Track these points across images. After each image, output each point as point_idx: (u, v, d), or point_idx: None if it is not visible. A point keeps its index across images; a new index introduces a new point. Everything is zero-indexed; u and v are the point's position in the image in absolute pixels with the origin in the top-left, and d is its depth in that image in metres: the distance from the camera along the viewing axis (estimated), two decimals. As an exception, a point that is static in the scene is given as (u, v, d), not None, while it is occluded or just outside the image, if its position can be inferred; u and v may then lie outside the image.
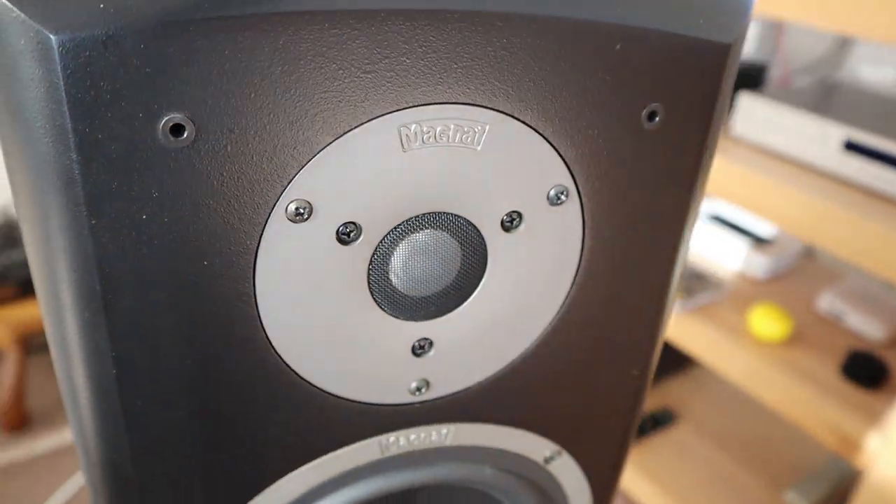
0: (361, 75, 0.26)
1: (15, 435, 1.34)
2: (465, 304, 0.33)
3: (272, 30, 0.24)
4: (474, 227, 0.31)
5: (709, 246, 1.27)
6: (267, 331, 0.30)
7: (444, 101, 0.28)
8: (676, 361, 1.40)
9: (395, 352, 0.33)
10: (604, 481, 0.43)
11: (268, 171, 0.27)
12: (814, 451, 1.26)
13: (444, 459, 0.37)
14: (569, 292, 0.34)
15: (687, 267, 1.20)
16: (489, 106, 0.28)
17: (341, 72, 0.26)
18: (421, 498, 0.41)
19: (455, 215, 0.30)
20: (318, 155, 0.27)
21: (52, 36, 0.22)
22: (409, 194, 0.29)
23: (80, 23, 0.23)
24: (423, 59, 0.27)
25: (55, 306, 0.28)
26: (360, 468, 0.35)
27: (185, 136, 0.25)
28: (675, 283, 0.38)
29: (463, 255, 0.32)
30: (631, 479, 1.24)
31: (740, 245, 1.22)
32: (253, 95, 0.25)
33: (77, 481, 1.24)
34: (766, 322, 1.07)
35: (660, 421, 1.31)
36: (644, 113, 0.31)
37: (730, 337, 1.08)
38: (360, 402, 0.33)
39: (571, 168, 0.31)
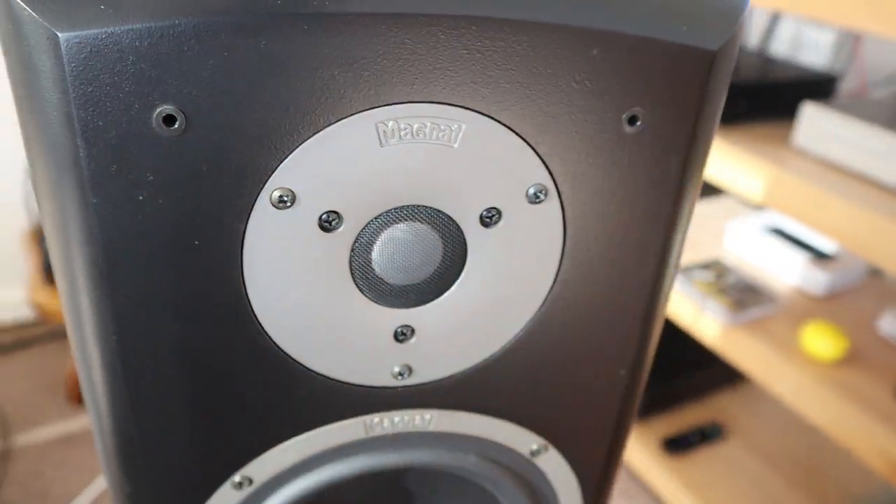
0: (339, 75, 0.28)
1: (79, 407, 1.42)
2: (446, 294, 0.34)
3: (255, 33, 0.27)
4: (454, 221, 0.33)
5: (765, 259, 1.24)
6: (255, 309, 0.32)
7: (420, 100, 0.29)
8: (727, 375, 1.36)
9: (378, 336, 0.34)
10: (594, 480, 0.43)
11: (252, 161, 0.29)
12: (866, 475, 1.21)
13: (428, 444, 0.38)
14: (550, 289, 0.35)
15: (740, 279, 1.17)
16: (465, 105, 0.30)
17: (319, 71, 0.28)
18: (411, 485, 0.43)
19: (434, 209, 0.32)
20: (299, 147, 0.29)
21: (59, 34, 0.25)
22: (388, 187, 0.31)
23: (83, 23, 0.26)
24: (399, 60, 0.28)
25: (67, 278, 0.31)
26: (347, 446, 0.37)
27: (176, 125, 0.27)
28: (666, 286, 0.38)
29: (443, 247, 0.33)
30: (674, 491, 1.22)
31: (799, 259, 1.18)
32: (237, 91, 0.27)
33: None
34: (819, 340, 1.04)
35: (708, 435, 1.28)
36: (625, 117, 0.32)
37: (780, 353, 1.05)
38: (344, 383, 0.35)
39: (550, 168, 0.32)
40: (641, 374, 0.41)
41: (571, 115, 0.31)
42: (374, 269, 0.33)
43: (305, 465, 0.37)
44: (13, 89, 0.28)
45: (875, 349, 1.06)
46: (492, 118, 0.30)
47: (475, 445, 0.39)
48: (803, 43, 1.40)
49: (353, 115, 0.29)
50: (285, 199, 0.30)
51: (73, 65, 0.26)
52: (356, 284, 0.33)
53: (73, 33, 0.25)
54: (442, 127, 0.30)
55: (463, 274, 0.34)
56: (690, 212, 0.37)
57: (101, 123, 0.27)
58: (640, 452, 1.27)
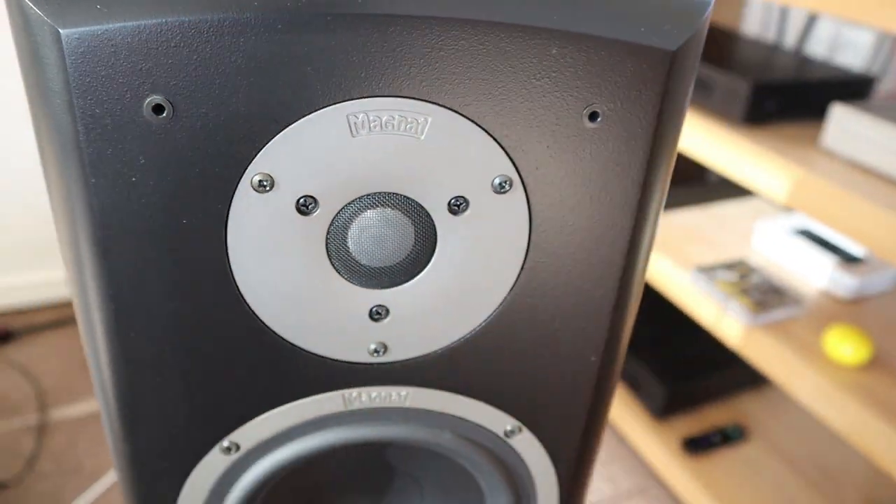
0: (311, 70, 0.31)
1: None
2: (419, 277, 0.37)
3: (236, 32, 0.29)
4: (423, 208, 0.35)
5: (793, 261, 1.23)
6: (239, 286, 0.35)
7: (388, 94, 0.32)
8: (751, 377, 1.35)
9: (354, 315, 0.37)
10: (570, 464, 0.45)
11: (234, 147, 0.32)
12: (888, 482, 1.19)
13: (404, 420, 0.41)
14: (518, 275, 0.37)
15: (765, 280, 1.17)
16: (430, 100, 0.32)
17: (293, 67, 0.30)
18: (395, 462, 0.45)
19: (404, 196, 0.34)
20: (277, 136, 0.32)
21: (60, 30, 0.29)
22: (360, 175, 0.33)
23: (81, 21, 0.29)
24: (366, 58, 0.31)
25: (72, 251, 0.34)
26: (328, 417, 0.40)
27: (164, 114, 0.30)
28: (637, 276, 0.40)
29: (415, 233, 0.36)
30: (693, 492, 1.22)
31: (827, 262, 1.17)
32: (220, 84, 0.30)
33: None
34: (843, 344, 1.03)
35: (729, 436, 1.27)
36: (585, 113, 0.33)
37: (802, 355, 1.05)
38: (324, 357, 0.38)
39: (514, 160, 0.34)
40: (614, 361, 0.42)
41: (533, 110, 0.33)
42: (349, 251, 0.35)
43: (289, 434, 0.40)
44: (24, 80, 0.31)
45: (900, 355, 1.05)
46: (457, 112, 0.32)
47: (450, 423, 0.42)
48: (842, 44, 1.38)
49: (325, 107, 0.31)
50: (265, 183, 0.33)
51: (72, 58, 0.29)
52: (333, 265, 0.36)
53: (73, 30, 0.29)
54: (409, 120, 0.32)
55: (434, 258, 0.36)
56: (660, 202, 0.38)
57: (97, 111, 0.30)
58: (659, 451, 1.27)
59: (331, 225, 0.35)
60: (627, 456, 1.33)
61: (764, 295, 1.13)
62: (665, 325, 1.44)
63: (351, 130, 0.32)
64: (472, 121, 0.33)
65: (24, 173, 1.46)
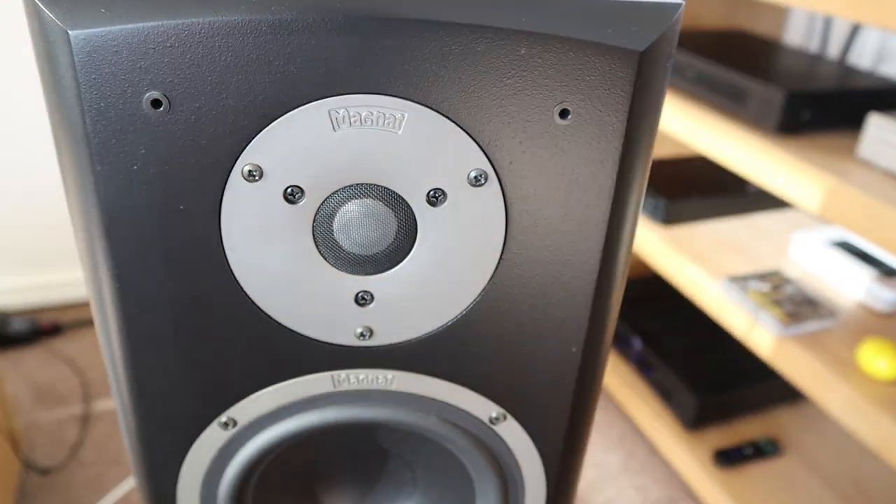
0: (294, 69, 0.33)
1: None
2: (401, 265, 0.39)
3: (225, 34, 0.32)
4: (403, 199, 0.37)
5: (830, 272, 1.20)
6: (233, 269, 0.38)
7: (367, 91, 0.34)
8: (787, 391, 1.33)
9: (340, 299, 0.39)
10: (556, 455, 0.46)
11: (225, 139, 0.34)
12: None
13: (391, 402, 0.43)
14: (497, 265, 0.39)
15: (799, 291, 1.15)
16: (406, 97, 0.34)
17: (278, 65, 0.33)
18: (387, 445, 0.47)
19: (385, 188, 0.37)
20: (264, 129, 0.34)
21: (69, 31, 0.32)
22: (342, 166, 0.36)
23: (88, 23, 0.32)
24: (346, 57, 0.33)
25: (83, 234, 0.38)
26: (318, 397, 0.42)
27: (161, 108, 0.33)
28: (614, 270, 0.41)
29: (396, 222, 0.38)
30: (721, 505, 1.20)
31: (864, 274, 1.14)
32: (212, 81, 0.33)
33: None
34: (877, 357, 1.00)
35: (762, 450, 1.25)
36: (556, 110, 0.35)
37: (834, 369, 1.03)
38: (313, 339, 0.40)
39: (489, 154, 0.36)
40: (596, 354, 0.43)
41: (506, 107, 0.35)
42: (335, 239, 0.38)
43: (282, 412, 0.43)
44: (41, 77, 0.35)
45: (936, 371, 1.02)
46: (432, 109, 0.35)
47: (435, 407, 0.43)
48: (888, 54, 1.35)
49: (308, 103, 0.34)
50: (254, 173, 0.35)
51: (80, 56, 0.32)
52: (320, 251, 0.38)
53: (80, 31, 0.32)
54: (387, 115, 0.35)
55: (415, 247, 0.38)
56: (638, 197, 0.40)
57: (102, 104, 0.33)
58: (690, 463, 1.26)
59: (317, 213, 0.37)
60: (658, 466, 1.32)
61: (797, 306, 1.12)
62: (699, 335, 1.43)
63: (333, 125, 0.35)
64: (447, 117, 0.35)
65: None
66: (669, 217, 1.32)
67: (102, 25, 0.32)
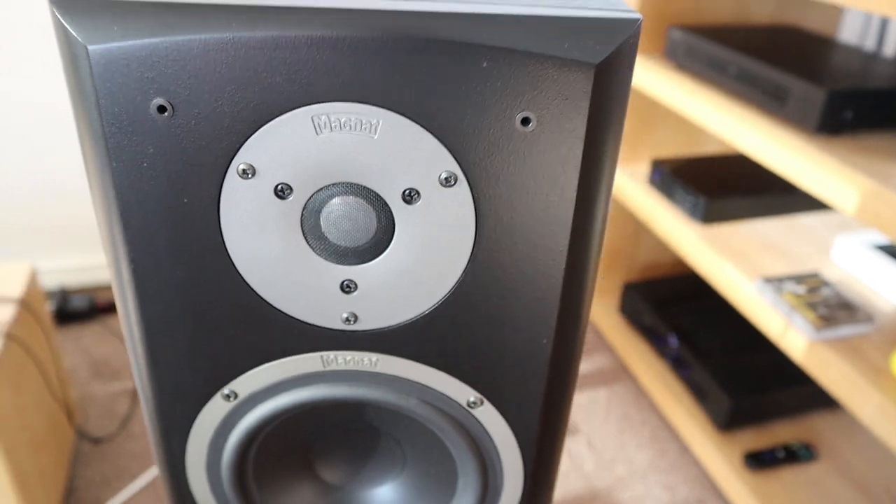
0: (281, 80, 0.37)
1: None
2: (381, 257, 0.43)
3: (219, 49, 0.36)
4: (381, 197, 0.41)
5: (871, 277, 1.18)
6: (232, 257, 0.42)
7: (345, 99, 0.38)
8: (824, 396, 1.31)
9: (327, 286, 0.43)
10: (532, 441, 0.49)
11: (222, 140, 0.39)
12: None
13: (375, 383, 0.47)
14: (469, 260, 0.42)
15: (837, 295, 1.13)
16: (380, 105, 0.38)
17: (266, 77, 0.37)
18: (379, 425, 0.51)
19: (364, 187, 0.40)
20: (256, 132, 0.39)
21: (88, 46, 0.37)
22: (326, 166, 0.40)
23: (103, 39, 0.37)
24: (326, 68, 0.37)
25: (105, 222, 0.43)
26: (310, 375, 0.47)
27: (166, 113, 0.38)
28: (583, 266, 0.44)
29: (377, 218, 0.41)
30: (750, 506, 1.20)
31: (905, 280, 1.12)
32: (210, 90, 0.37)
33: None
34: (911, 365, 0.99)
35: (796, 454, 1.24)
36: (518, 118, 0.38)
37: (867, 374, 1.02)
38: (304, 322, 0.45)
39: (458, 158, 0.39)
40: (569, 346, 0.46)
41: (471, 115, 0.38)
42: (321, 231, 0.42)
43: (278, 388, 0.47)
44: (67, 85, 0.40)
45: (973, 380, 0.99)
46: (404, 115, 0.38)
47: (416, 390, 0.47)
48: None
49: (293, 109, 0.38)
50: (248, 171, 0.40)
51: (97, 68, 0.37)
52: (308, 243, 0.42)
53: (97, 46, 0.37)
54: (364, 121, 0.38)
55: (393, 241, 0.42)
56: (604, 198, 0.42)
57: (116, 109, 0.38)
58: (720, 463, 1.26)
59: (304, 208, 0.41)
60: (689, 465, 1.32)
61: (832, 310, 1.10)
62: (737, 335, 1.42)
63: (316, 129, 0.39)
64: (418, 123, 0.38)
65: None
66: (709, 216, 1.32)
67: (116, 41, 0.37)
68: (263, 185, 0.40)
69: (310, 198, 0.41)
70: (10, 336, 1.00)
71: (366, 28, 0.36)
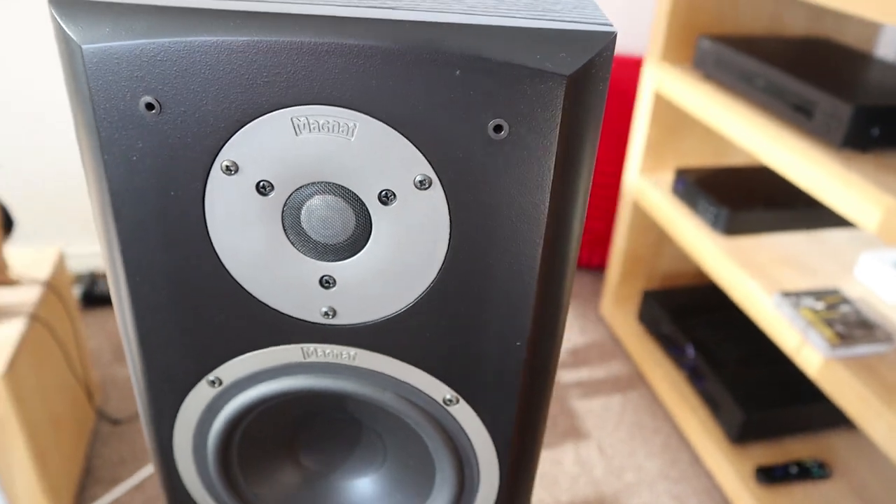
0: (261, 83, 0.39)
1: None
2: (359, 254, 0.44)
3: (202, 51, 0.38)
4: (358, 197, 0.42)
5: (891, 296, 1.16)
6: (217, 249, 0.44)
7: (322, 102, 0.39)
8: (841, 414, 1.29)
9: (307, 280, 0.45)
10: (508, 442, 0.50)
11: (206, 138, 0.41)
12: None
13: (354, 376, 0.48)
14: (444, 261, 0.43)
15: (856, 312, 1.11)
16: (357, 108, 0.39)
17: (247, 79, 0.39)
18: (361, 419, 0.53)
19: (343, 186, 0.42)
20: (238, 131, 0.40)
21: (82, 46, 0.39)
22: (304, 166, 0.41)
23: (95, 40, 0.39)
24: (303, 73, 0.38)
25: (99, 211, 0.45)
26: (290, 366, 0.48)
27: (154, 111, 0.40)
28: (558, 272, 0.44)
29: (354, 217, 0.43)
30: (759, 522, 1.19)
31: (927, 300, 1.10)
32: (193, 89, 0.39)
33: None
34: (927, 387, 0.97)
35: (809, 471, 1.22)
36: (490, 125, 0.39)
37: (881, 394, 1.00)
38: (284, 314, 0.46)
39: (431, 162, 0.40)
40: (544, 350, 0.47)
41: (445, 121, 0.39)
42: (302, 228, 0.43)
43: (260, 376, 0.49)
44: (65, 80, 0.42)
45: None
46: (379, 119, 0.39)
47: (393, 384, 0.48)
48: None
49: (273, 111, 0.40)
50: (231, 168, 0.41)
51: (89, 66, 0.39)
52: (288, 238, 0.44)
53: (90, 45, 0.39)
54: (341, 124, 0.40)
55: (370, 240, 0.43)
56: (580, 206, 0.43)
57: (107, 105, 0.40)
58: (731, 476, 1.24)
59: (284, 205, 0.43)
60: (699, 476, 1.31)
61: (849, 328, 1.09)
62: (754, 348, 1.40)
63: (295, 130, 0.40)
64: (393, 127, 0.40)
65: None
66: (730, 227, 1.30)
67: (107, 41, 0.39)
68: (246, 181, 0.42)
69: (290, 195, 0.42)
70: (34, 317, 1.04)
71: (343, 35, 0.38)
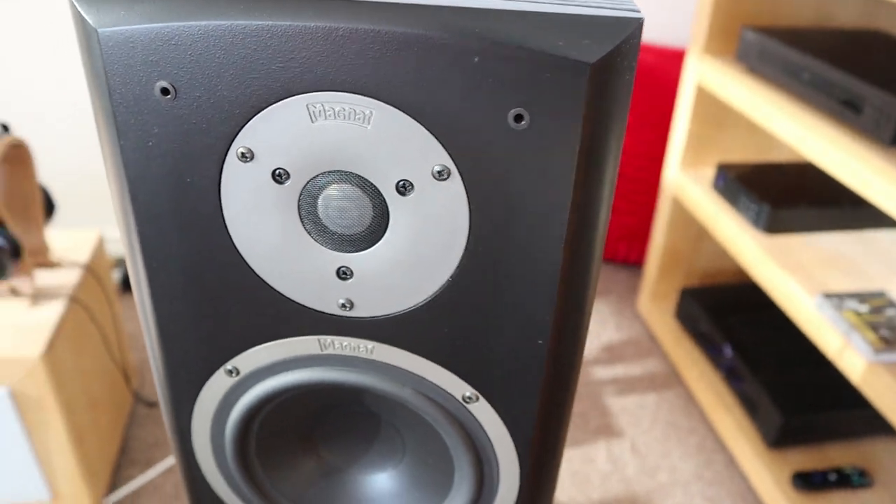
0: (277, 68, 0.38)
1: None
2: (376, 245, 0.43)
3: (220, 36, 0.37)
4: (375, 187, 0.41)
5: (944, 300, 1.11)
6: (233, 238, 0.44)
7: (339, 89, 0.38)
8: (883, 422, 1.24)
9: (324, 271, 0.44)
10: (528, 441, 0.49)
11: (222, 124, 0.40)
12: None
13: (372, 370, 0.47)
14: (462, 254, 0.42)
15: (902, 316, 1.07)
16: (374, 96, 0.38)
17: (263, 63, 0.38)
18: (379, 412, 0.52)
19: (359, 176, 0.41)
20: (254, 117, 0.40)
21: (98, 29, 0.38)
22: (321, 154, 0.40)
23: (111, 23, 0.38)
24: (319, 58, 0.37)
25: (117, 197, 0.45)
26: (308, 358, 0.48)
27: (169, 95, 0.39)
28: (580, 268, 0.43)
29: (372, 207, 0.42)
30: (795, 529, 1.15)
31: (981, 305, 1.04)
32: (208, 74, 0.39)
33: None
34: (977, 395, 0.92)
35: (849, 479, 1.18)
36: (511, 115, 0.38)
37: (925, 402, 0.95)
38: (301, 305, 0.45)
39: (450, 152, 0.39)
40: (567, 349, 0.45)
41: (464, 110, 0.38)
42: (318, 217, 0.42)
43: (278, 367, 0.48)
44: (83, 65, 0.42)
45: None
46: (397, 108, 0.38)
47: (411, 380, 0.47)
48: None
49: (289, 97, 0.39)
50: (246, 155, 0.41)
51: (105, 50, 0.39)
52: (305, 227, 0.43)
53: (106, 29, 0.38)
54: (357, 112, 0.39)
55: (388, 231, 0.42)
56: (605, 198, 0.41)
57: (123, 89, 0.40)
58: (767, 480, 1.21)
59: (301, 194, 0.42)
60: (734, 479, 1.28)
61: (895, 332, 1.04)
62: (794, 350, 1.36)
63: (311, 117, 0.39)
64: (411, 116, 0.38)
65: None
66: (773, 225, 1.26)
67: (122, 25, 0.38)
68: (262, 169, 0.41)
69: (307, 184, 0.42)
70: (74, 299, 1.05)
71: (359, 20, 0.37)
